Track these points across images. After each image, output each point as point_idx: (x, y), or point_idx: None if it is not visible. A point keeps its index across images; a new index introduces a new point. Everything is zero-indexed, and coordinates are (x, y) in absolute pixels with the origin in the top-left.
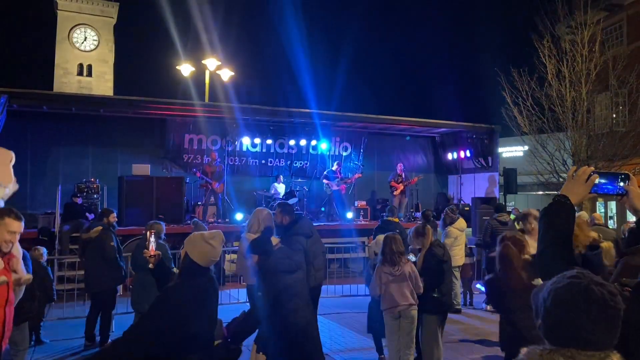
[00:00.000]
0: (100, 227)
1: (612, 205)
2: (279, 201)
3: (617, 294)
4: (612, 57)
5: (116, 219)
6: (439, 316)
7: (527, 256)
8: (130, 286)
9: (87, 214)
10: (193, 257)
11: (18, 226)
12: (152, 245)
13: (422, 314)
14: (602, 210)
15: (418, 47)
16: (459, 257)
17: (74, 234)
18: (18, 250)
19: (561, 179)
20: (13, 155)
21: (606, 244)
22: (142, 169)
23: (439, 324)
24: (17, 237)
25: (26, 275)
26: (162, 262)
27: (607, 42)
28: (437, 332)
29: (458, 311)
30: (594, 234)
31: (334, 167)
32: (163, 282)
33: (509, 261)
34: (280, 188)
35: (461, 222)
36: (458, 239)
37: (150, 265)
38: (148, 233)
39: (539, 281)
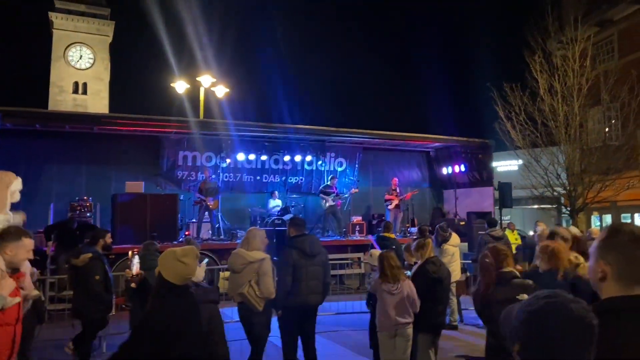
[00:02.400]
0: (90, 255)
1: (608, 218)
2: (274, 217)
3: (590, 310)
4: (603, 72)
5: (111, 240)
6: (431, 334)
7: (507, 269)
8: (124, 305)
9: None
10: (167, 277)
11: (32, 244)
12: (135, 265)
13: (414, 332)
14: (598, 223)
15: (412, 62)
16: (455, 272)
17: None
18: (26, 266)
19: (555, 193)
20: (14, 180)
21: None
22: (135, 186)
23: (431, 342)
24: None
25: (34, 291)
26: (145, 281)
27: (598, 56)
28: (430, 351)
29: (454, 327)
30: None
31: (330, 182)
32: (147, 302)
33: (488, 272)
34: (276, 204)
35: (455, 238)
36: (454, 255)
37: (133, 285)
38: (130, 253)
39: (524, 296)
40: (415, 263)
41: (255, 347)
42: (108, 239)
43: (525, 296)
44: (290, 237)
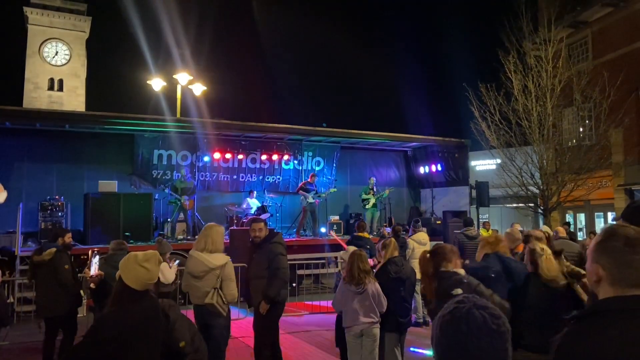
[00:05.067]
0: (54, 249)
1: (582, 217)
2: (251, 217)
3: (500, 317)
4: (576, 73)
5: (71, 240)
6: (397, 333)
7: (446, 268)
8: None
9: None
10: (127, 282)
11: None
12: (94, 265)
13: (381, 332)
14: (572, 221)
15: (389, 61)
16: (416, 270)
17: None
18: None
19: (529, 192)
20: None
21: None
22: (108, 185)
23: (397, 341)
24: None
25: None
26: (105, 282)
27: (573, 57)
28: (396, 350)
29: (418, 325)
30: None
31: (310, 179)
32: (105, 304)
33: (423, 271)
34: (253, 203)
35: (420, 235)
36: (415, 251)
37: (92, 285)
38: (90, 252)
39: (458, 291)
40: (379, 262)
41: (217, 350)
42: (67, 238)
43: (460, 291)
44: (266, 236)
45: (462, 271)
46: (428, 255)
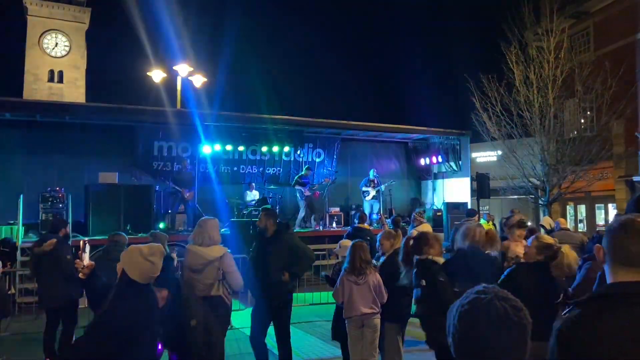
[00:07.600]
0: (55, 240)
1: (582, 208)
2: (251, 208)
3: (521, 309)
4: (578, 64)
5: (69, 230)
6: (398, 324)
7: (424, 256)
8: None
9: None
10: (131, 275)
11: None
12: (85, 256)
13: (382, 322)
14: (572, 212)
15: (390, 53)
16: None
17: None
18: None
19: (530, 184)
20: None
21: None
22: (109, 177)
23: (398, 332)
24: None
25: None
26: (94, 273)
27: (574, 48)
28: (397, 340)
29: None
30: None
31: (305, 172)
32: (95, 296)
33: (407, 257)
34: (253, 195)
35: (424, 227)
36: None
37: (81, 276)
38: (82, 243)
39: (423, 282)
40: (383, 254)
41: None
42: (67, 229)
43: (424, 282)
44: (276, 227)
45: (440, 259)
46: (411, 241)
